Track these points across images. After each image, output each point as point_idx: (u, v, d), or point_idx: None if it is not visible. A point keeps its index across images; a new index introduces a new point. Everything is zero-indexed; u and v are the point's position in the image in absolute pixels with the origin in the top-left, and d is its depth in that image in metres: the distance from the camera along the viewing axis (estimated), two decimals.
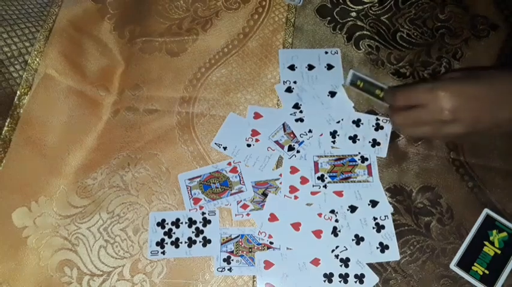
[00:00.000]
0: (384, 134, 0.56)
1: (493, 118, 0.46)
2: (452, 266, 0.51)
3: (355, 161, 0.55)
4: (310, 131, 0.57)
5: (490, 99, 0.45)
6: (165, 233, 0.53)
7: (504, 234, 0.51)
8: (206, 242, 0.53)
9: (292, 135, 0.57)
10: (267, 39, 0.63)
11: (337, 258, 0.51)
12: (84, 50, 0.63)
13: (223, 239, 0.53)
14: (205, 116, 0.59)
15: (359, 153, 0.56)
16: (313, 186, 0.54)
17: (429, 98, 0.47)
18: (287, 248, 0.52)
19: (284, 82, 0.60)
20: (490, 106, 0.46)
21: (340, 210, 0.53)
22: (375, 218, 0.53)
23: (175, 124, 0.59)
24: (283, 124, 0.58)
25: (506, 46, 0.60)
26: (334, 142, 0.56)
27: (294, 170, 0.55)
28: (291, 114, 0.58)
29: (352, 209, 0.53)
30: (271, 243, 0.52)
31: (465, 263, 0.51)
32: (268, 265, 0.52)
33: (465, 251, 0.51)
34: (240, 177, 0.55)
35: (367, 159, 0.55)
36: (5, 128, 0.58)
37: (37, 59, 0.62)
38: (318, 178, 0.55)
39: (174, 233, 0.53)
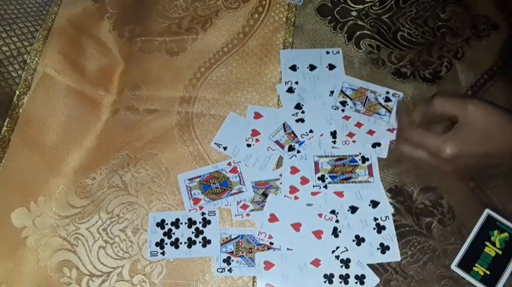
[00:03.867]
0: None
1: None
2: (453, 266, 0.51)
3: (356, 161, 0.55)
4: (311, 131, 0.56)
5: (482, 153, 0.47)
6: (164, 234, 0.53)
7: (505, 234, 0.51)
8: (206, 242, 0.53)
9: (292, 135, 0.57)
10: (267, 39, 0.63)
11: (338, 259, 0.51)
12: (84, 49, 0.63)
13: (223, 240, 0.53)
14: (205, 115, 0.59)
15: (360, 153, 0.55)
16: (313, 186, 0.54)
17: (437, 149, 0.48)
18: (287, 249, 0.52)
19: (286, 83, 0.59)
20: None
21: (341, 210, 0.53)
22: (375, 219, 0.53)
23: (175, 124, 0.59)
24: (284, 124, 0.57)
25: (506, 46, 0.60)
26: (334, 142, 0.56)
27: (294, 170, 0.55)
28: (292, 114, 0.58)
29: (353, 209, 0.53)
30: (272, 243, 0.52)
31: (466, 264, 0.51)
32: (268, 265, 0.51)
33: (466, 252, 0.51)
34: (240, 177, 0.55)
35: (367, 159, 0.55)
36: (4, 128, 0.58)
37: (36, 59, 0.62)
38: (319, 178, 0.54)
39: (174, 233, 0.53)
